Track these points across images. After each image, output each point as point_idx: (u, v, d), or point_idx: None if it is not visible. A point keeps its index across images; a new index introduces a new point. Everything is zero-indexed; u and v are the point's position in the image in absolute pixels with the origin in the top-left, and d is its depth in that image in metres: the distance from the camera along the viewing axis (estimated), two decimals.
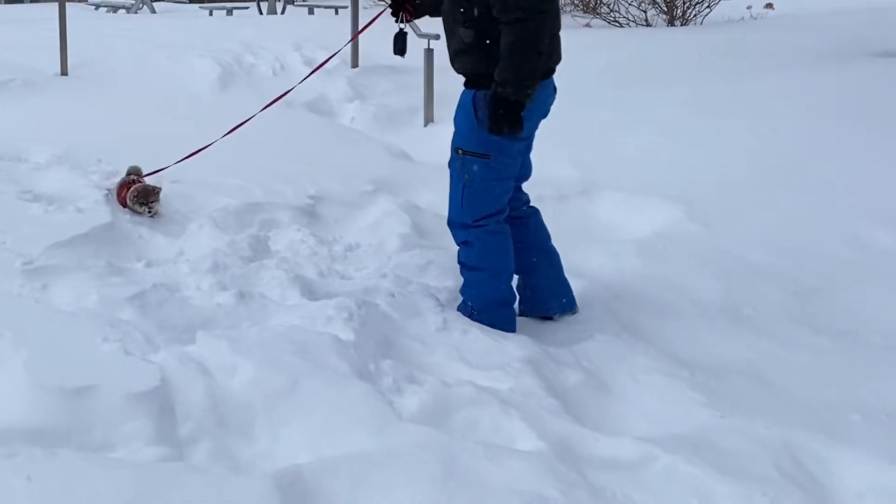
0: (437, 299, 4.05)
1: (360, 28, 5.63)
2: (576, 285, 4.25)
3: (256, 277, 4.24)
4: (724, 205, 5.51)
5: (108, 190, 5.03)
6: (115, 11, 15.71)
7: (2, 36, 9.69)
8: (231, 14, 14.46)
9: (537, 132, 4.01)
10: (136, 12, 15.70)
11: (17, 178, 5.18)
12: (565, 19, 7.53)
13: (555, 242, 4.23)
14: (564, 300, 4.17)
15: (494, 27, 3.66)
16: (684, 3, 12.86)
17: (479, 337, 3.75)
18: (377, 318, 3.77)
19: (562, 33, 3.90)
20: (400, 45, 4.28)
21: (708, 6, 12.80)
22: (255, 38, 9.76)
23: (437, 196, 5.36)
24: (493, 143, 3.80)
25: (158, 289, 3.94)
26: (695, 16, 12.85)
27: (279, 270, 4.30)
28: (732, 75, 8.14)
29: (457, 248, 4.06)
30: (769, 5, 13.43)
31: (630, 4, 12.93)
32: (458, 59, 3.86)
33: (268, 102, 5.08)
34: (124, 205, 4.88)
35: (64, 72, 8.17)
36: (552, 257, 4.18)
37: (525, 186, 4.19)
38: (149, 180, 5.04)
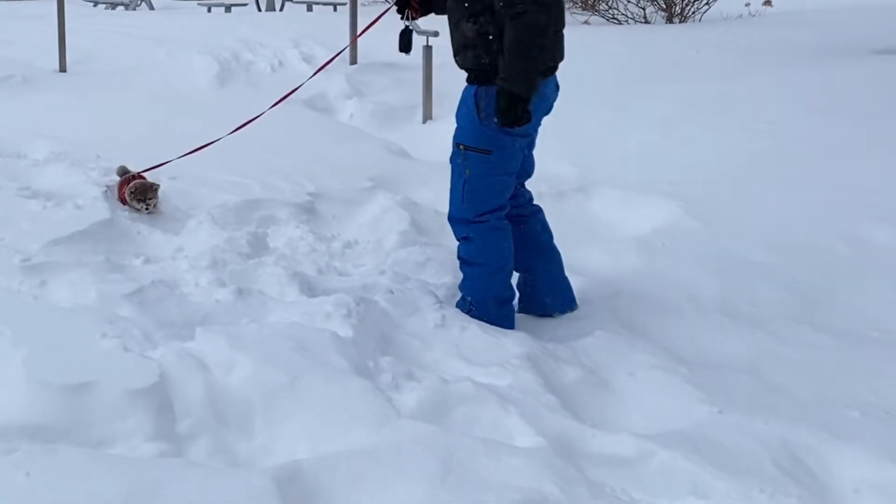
0: (436, 296, 4.05)
1: (358, 25, 5.60)
2: (575, 282, 4.25)
3: (255, 274, 4.24)
4: (723, 202, 5.51)
5: (107, 186, 5.03)
6: (113, 8, 15.67)
7: (1, 32, 9.68)
8: (229, 11, 14.42)
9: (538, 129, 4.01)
10: (134, 9, 15.66)
11: (16, 174, 5.17)
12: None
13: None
14: (564, 299, 4.18)
15: (497, 22, 3.66)
16: (683, 0, 12.87)
17: (478, 333, 3.75)
18: (376, 314, 3.77)
19: None
20: (405, 42, 4.27)
21: (706, 3, 12.80)
22: (253, 34, 9.75)
23: (435, 193, 5.37)
24: (494, 140, 3.80)
25: (157, 285, 3.94)
26: (693, 13, 12.86)
27: (278, 267, 4.30)
28: (731, 72, 8.14)
29: (456, 244, 4.06)
30: (768, 2, 13.45)
31: (629, 2, 12.93)
32: (461, 54, 3.85)
33: (275, 101, 5.03)
34: (125, 202, 4.88)
35: (63, 68, 8.17)
36: (553, 256, 4.18)
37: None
38: (148, 176, 5.03)
